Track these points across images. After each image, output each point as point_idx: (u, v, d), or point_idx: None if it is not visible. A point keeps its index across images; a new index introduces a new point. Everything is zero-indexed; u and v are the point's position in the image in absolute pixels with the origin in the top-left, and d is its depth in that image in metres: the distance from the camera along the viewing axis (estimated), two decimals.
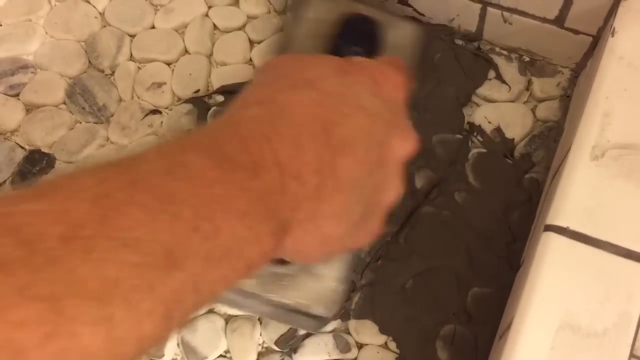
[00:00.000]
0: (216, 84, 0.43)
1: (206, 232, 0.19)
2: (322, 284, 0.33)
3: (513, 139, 0.40)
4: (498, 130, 0.40)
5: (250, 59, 0.44)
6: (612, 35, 0.33)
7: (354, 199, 0.25)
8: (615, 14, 0.34)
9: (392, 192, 0.28)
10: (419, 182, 0.39)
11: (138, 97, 0.43)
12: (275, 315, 0.35)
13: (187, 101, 0.43)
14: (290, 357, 0.37)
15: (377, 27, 0.37)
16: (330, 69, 0.27)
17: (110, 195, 0.18)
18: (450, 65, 0.42)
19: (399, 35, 0.38)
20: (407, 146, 0.27)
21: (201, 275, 0.19)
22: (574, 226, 0.29)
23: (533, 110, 0.41)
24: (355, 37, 0.36)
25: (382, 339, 0.37)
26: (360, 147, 0.25)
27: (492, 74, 0.42)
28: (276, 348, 0.37)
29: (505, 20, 0.40)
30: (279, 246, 0.22)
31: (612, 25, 0.33)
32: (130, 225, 0.17)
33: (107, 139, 0.43)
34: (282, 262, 0.33)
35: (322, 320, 0.34)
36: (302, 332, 0.37)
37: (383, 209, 0.28)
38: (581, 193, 0.29)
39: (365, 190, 0.26)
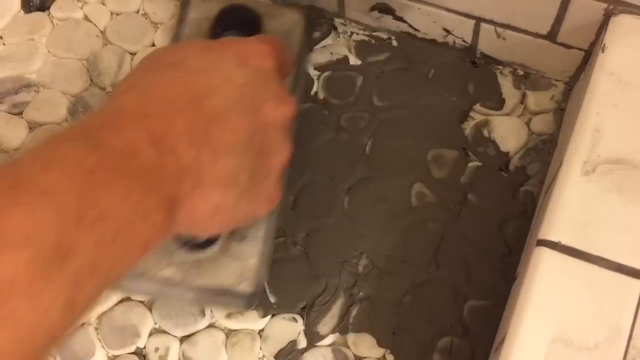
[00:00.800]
0: None
1: (92, 218, 0.20)
2: (241, 262, 0.35)
3: (508, 152, 0.40)
4: (493, 143, 0.41)
5: None
6: (603, 51, 0.33)
7: (236, 165, 0.26)
8: (606, 30, 0.34)
9: (280, 154, 0.29)
10: (415, 197, 0.40)
11: None
12: (203, 300, 0.36)
13: None
14: None
15: (252, 14, 0.38)
16: (195, 49, 0.28)
17: None
18: (448, 80, 0.42)
19: (279, 22, 0.39)
20: (283, 110, 0.28)
21: (97, 259, 0.20)
22: (566, 241, 0.29)
23: (528, 124, 0.41)
24: (229, 25, 0.38)
25: (380, 352, 0.37)
26: (232, 115, 0.26)
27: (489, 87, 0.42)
28: None
29: (498, 36, 0.40)
30: (172, 220, 0.23)
31: (602, 41, 0.34)
32: (17, 224, 0.18)
33: None
34: (198, 247, 0.34)
35: (249, 299, 0.35)
36: (301, 345, 0.38)
37: (275, 172, 0.29)
38: (573, 208, 0.30)
39: (247, 155, 0.26)
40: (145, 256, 0.22)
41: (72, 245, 0.19)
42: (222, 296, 0.35)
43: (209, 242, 0.35)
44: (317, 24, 0.44)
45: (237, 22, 0.38)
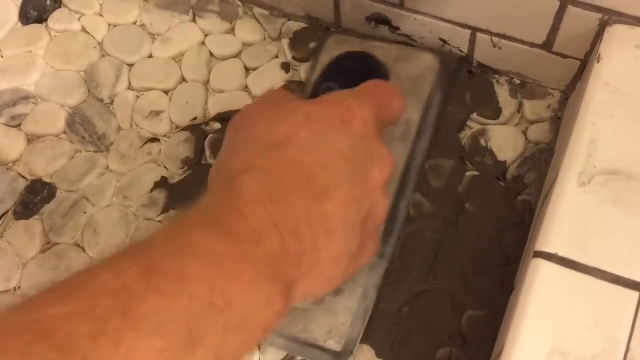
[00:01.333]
0: (213, 111, 0.44)
1: (220, 306, 0.20)
2: (333, 317, 0.34)
3: (505, 161, 0.41)
4: (490, 152, 0.41)
5: (246, 86, 0.45)
6: (598, 61, 0.33)
7: (349, 237, 0.27)
8: (601, 40, 0.34)
9: (380, 210, 0.29)
10: (412, 207, 0.40)
11: (137, 126, 0.44)
12: (292, 349, 0.36)
13: (184, 129, 0.44)
14: None
15: (366, 63, 0.37)
16: (299, 120, 0.27)
17: (128, 286, 0.19)
18: (445, 90, 0.42)
19: (412, 66, 0.39)
20: (386, 171, 0.29)
21: (222, 347, 0.20)
22: (562, 252, 0.29)
23: (524, 132, 0.41)
24: (332, 75, 0.37)
25: None
26: (343, 190, 0.26)
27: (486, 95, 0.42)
28: None
29: (494, 45, 0.40)
30: (289, 302, 0.24)
31: (597, 51, 0.34)
32: (151, 312, 0.19)
33: (107, 167, 0.43)
34: None
35: (337, 355, 0.34)
36: (300, 358, 0.38)
37: (376, 229, 0.30)
38: (569, 219, 0.30)
39: (356, 225, 0.27)
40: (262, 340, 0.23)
41: (200, 335, 0.19)
42: (310, 348, 0.34)
43: None
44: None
45: (340, 73, 0.37)
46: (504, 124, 0.42)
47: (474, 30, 0.40)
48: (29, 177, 0.44)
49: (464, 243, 0.39)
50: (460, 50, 0.42)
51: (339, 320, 0.34)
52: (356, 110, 0.28)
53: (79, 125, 0.45)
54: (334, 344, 0.34)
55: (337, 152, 0.27)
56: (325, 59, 0.40)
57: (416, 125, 0.38)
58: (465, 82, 0.43)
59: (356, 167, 0.27)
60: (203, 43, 0.46)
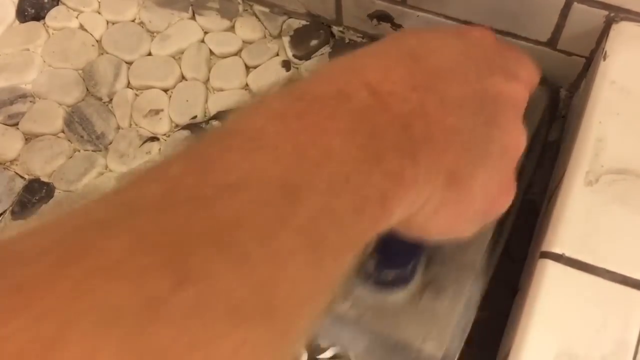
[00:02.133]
0: (213, 109, 0.44)
1: (316, 157, 0.17)
2: (432, 318, 0.29)
3: None
4: None
5: (247, 84, 0.44)
6: (604, 59, 0.33)
7: (469, 124, 0.21)
8: (607, 38, 0.34)
9: (513, 136, 0.24)
10: None
11: (136, 125, 0.44)
12: (371, 350, 0.30)
13: (184, 127, 0.43)
14: None
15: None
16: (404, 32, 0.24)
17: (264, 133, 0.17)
18: None
19: None
20: (514, 86, 0.24)
21: (334, 203, 0.17)
22: (570, 253, 0.29)
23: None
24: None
25: None
26: (457, 74, 0.22)
27: None
28: None
29: None
30: (410, 176, 0.19)
31: (603, 49, 0.33)
32: (232, 165, 0.16)
33: (106, 166, 0.43)
34: (384, 284, 0.28)
35: None
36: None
37: (510, 155, 0.24)
38: (576, 219, 0.29)
39: (479, 118, 0.22)
40: (389, 220, 0.18)
41: (299, 185, 0.16)
42: (401, 352, 0.28)
43: (398, 281, 0.29)
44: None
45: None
46: None
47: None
48: (26, 176, 0.43)
49: None
50: None
51: (441, 323, 0.29)
52: (473, 26, 0.26)
53: (78, 124, 0.44)
54: (433, 349, 0.28)
55: (449, 44, 0.23)
56: None
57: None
58: None
59: (472, 63, 0.23)
60: (203, 41, 0.46)
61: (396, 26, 0.42)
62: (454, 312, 0.29)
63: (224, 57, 0.45)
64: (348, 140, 0.18)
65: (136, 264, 0.13)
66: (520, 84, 0.24)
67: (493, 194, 0.23)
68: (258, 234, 0.15)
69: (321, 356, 0.34)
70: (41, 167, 0.43)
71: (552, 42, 0.38)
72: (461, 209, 0.22)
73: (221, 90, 0.44)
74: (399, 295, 0.29)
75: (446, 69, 0.22)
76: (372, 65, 0.21)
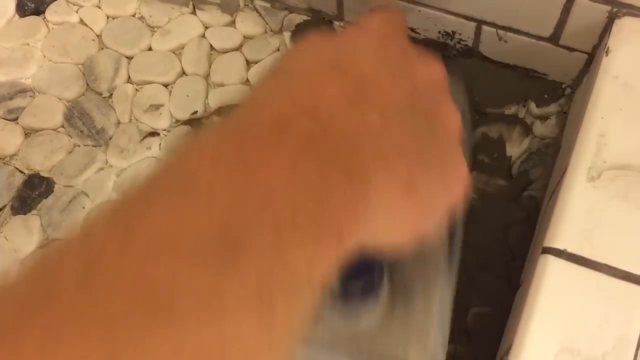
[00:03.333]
0: (214, 105, 0.43)
1: (258, 202, 0.16)
2: (413, 324, 0.28)
3: (510, 157, 0.40)
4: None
5: (247, 79, 0.44)
6: (607, 55, 0.33)
7: (411, 125, 0.21)
8: (610, 33, 0.34)
9: (450, 118, 0.23)
10: None
11: (136, 120, 0.44)
12: None
13: (185, 123, 0.43)
14: None
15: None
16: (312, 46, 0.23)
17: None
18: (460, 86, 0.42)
19: None
20: (434, 68, 0.24)
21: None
22: (572, 248, 0.29)
23: (530, 127, 0.41)
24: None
25: None
26: (384, 78, 0.21)
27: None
28: None
29: (500, 38, 0.40)
30: (363, 199, 0.18)
31: (606, 44, 0.33)
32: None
33: (106, 162, 0.43)
34: (353, 296, 0.27)
35: None
36: None
37: (454, 139, 0.23)
38: (578, 215, 0.29)
39: (417, 115, 0.22)
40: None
41: (240, 235, 0.15)
42: None
43: (368, 289, 0.28)
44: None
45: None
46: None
47: (480, 23, 0.39)
48: (26, 171, 0.43)
49: (469, 239, 0.38)
50: (465, 44, 0.41)
51: (419, 328, 0.28)
52: (368, 18, 0.25)
53: (78, 119, 0.44)
54: (417, 354, 0.27)
55: (362, 46, 0.22)
56: None
57: None
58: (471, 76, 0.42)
59: (392, 60, 0.22)
60: (203, 36, 0.46)
61: None
62: (430, 312, 0.28)
63: (225, 52, 0.45)
64: (292, 176, 0.17)
65: (64, 345, 0.13)
66: (435, 62, 0.24)
67: (451, 186, 0.23)
68: (194, 297, 0.14)
69: None
70: (41, 162, 0.43)
71: (554, 38, 0.38)
72: (422, 212, 0.21)
73: (222, 85, 0.44)
74: (371, 310, 0.28)
75: (373, 75, 0.21)
76: (302, 87, 0.20)
